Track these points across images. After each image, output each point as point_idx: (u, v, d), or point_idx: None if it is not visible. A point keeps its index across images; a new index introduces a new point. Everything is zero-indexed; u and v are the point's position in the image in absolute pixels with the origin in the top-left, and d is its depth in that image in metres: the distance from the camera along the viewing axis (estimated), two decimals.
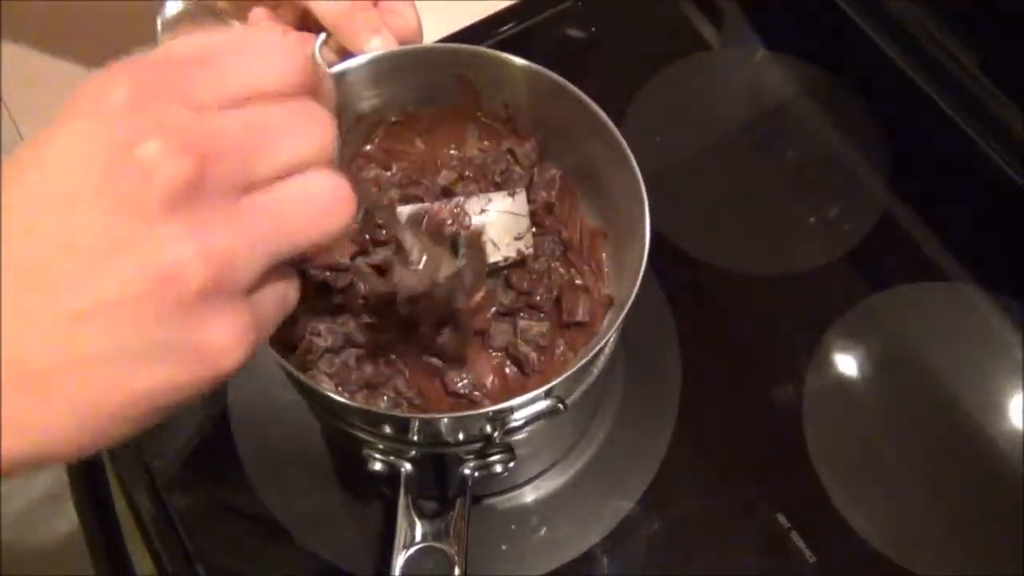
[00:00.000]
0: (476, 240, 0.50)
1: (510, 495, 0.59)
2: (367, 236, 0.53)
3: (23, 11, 0.72)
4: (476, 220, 0.53)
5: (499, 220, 0.53)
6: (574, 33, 0.77)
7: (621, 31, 0.78)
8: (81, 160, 0.26)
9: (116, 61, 0.28)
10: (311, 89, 0.30)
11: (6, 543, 0.69)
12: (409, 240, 0.45)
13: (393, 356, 0.52)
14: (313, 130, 0.30)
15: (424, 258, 0.46)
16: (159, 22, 0.32)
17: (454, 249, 0.47)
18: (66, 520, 0.74)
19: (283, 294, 0.31)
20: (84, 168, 0.26)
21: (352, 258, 0.53)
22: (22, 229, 0.26)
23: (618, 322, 0.46)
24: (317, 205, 0.30)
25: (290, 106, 0.30)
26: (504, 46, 0.55)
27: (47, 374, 0.26)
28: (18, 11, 0.70)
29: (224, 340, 0.28)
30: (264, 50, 0.30)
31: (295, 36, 0.29)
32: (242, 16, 0.55)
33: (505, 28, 0.76)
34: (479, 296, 0.50)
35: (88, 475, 0.63)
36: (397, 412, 0.51)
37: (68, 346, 0.26)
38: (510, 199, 0.54)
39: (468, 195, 0.54)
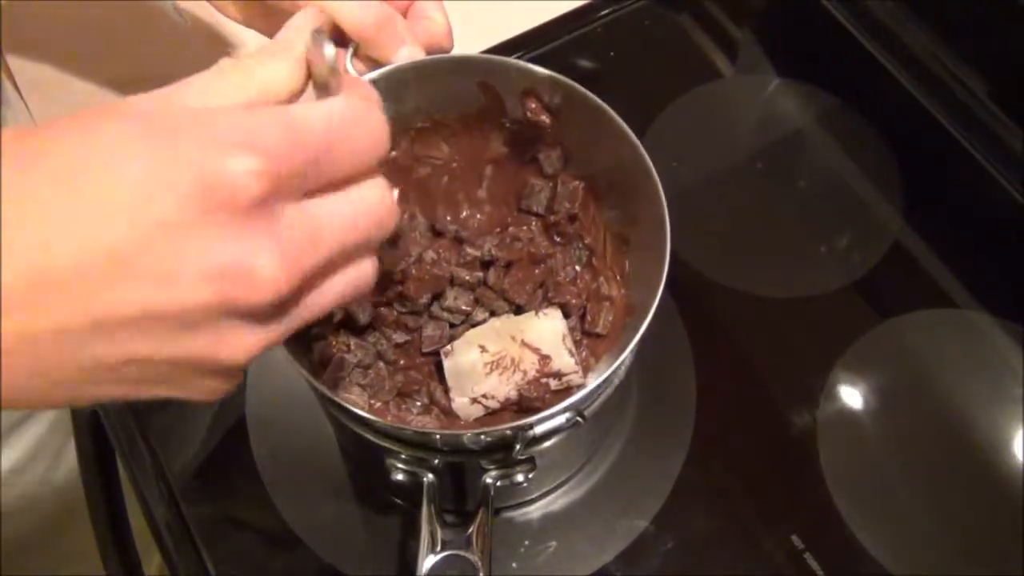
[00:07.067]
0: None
1: (525, 509, 0.59)
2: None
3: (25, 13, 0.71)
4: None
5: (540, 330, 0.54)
6: (592, 58, 0.79)
7: (637, 58, 0.79)
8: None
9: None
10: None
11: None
12: None
13: (421, 361, 0.53)
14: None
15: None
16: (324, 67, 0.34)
17: None
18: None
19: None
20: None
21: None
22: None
23: (637, 336, 0.46)
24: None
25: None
26: None
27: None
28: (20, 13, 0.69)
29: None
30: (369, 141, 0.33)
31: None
32: (272, 30, 0.56)
33: (522, 52, 0.77)
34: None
35: (104, 486, 0.64)
36: (420, 427, 0.51)
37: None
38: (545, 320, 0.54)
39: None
